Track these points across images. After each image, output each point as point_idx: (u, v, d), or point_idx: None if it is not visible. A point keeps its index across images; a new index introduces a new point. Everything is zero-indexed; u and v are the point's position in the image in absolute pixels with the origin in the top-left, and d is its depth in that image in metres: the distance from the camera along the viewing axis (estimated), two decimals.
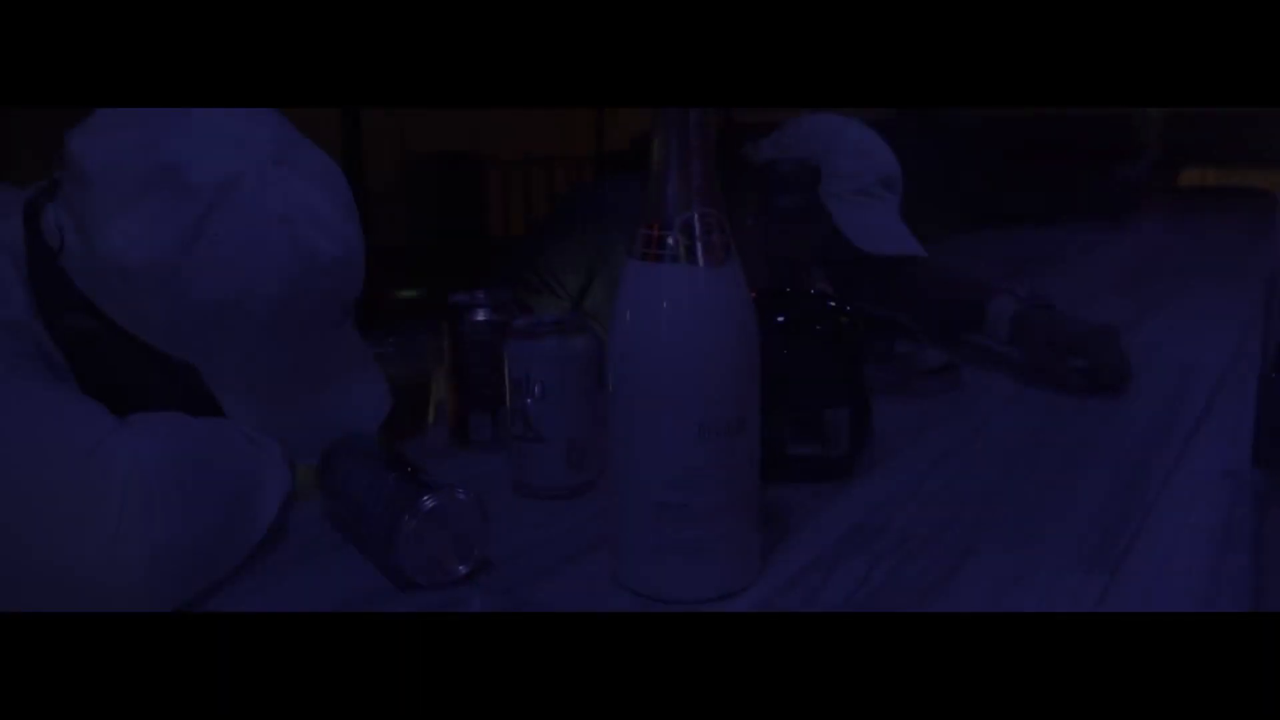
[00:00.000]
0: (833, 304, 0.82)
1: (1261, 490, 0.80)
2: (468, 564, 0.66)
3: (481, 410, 0.90)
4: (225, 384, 0.71)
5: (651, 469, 0.62)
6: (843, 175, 1.24)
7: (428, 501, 0.65)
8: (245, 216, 0.66)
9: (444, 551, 0.65)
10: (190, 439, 0.66)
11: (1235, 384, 1.10)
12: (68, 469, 0.57)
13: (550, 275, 1.33)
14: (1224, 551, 0.69)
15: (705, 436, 0.60)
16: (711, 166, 0.60)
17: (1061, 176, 2.78)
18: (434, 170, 5.25)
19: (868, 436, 0.83)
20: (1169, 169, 3.66)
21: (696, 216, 0.60)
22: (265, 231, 0.66)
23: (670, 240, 0.59)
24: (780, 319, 0.81)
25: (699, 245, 0.60)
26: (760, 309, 0.81)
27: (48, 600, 0.57)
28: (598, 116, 5.57)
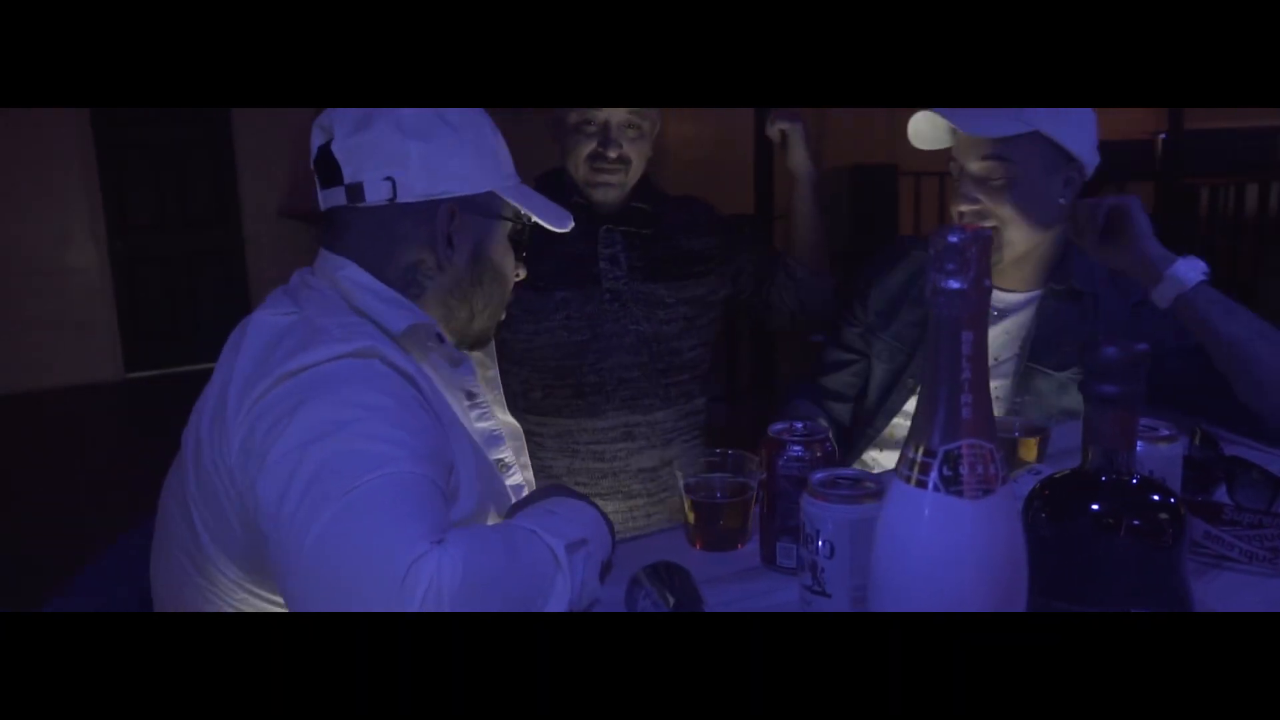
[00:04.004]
0: (1157, 497, 0.76)
1: None
2: None
3: (789, 539, 0.94)
4: None
5: None
6: None
7: None
8: None
9: None
10: (489, 557, 0.79)
11: None
12: (385, 588, 0.73)
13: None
14: None
15: None
16: (985, 398, 0.60)
17: None
18: (847, 182, 5.27)
19: None
20: None
21: (963, 448, 0.60)
22: None
23: (932, 468, 0.60)
24: (1094, 507, 0.76)
25: (961, 478, 0.60)
26: (1073, 495, 0.78)
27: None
28: None
